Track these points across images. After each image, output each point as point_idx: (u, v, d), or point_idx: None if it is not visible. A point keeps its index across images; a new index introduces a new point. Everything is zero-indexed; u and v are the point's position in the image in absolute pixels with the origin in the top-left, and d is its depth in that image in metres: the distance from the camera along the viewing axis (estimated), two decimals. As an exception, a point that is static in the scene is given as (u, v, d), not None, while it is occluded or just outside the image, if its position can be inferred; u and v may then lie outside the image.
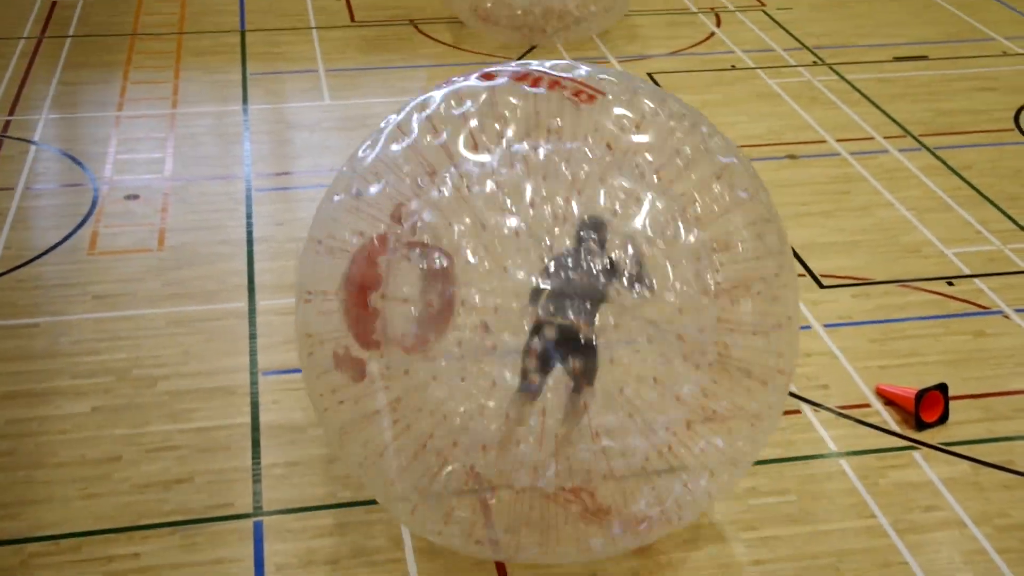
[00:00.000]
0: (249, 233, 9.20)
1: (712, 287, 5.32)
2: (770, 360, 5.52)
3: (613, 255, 5.23)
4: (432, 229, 5.28)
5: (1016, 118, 11.31)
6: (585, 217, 5.25)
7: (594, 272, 5.23)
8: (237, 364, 7.71)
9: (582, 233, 5.24)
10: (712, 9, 13.99)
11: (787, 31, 13.31)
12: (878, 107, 11.46)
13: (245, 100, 11.48)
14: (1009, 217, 9.55)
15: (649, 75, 12.08)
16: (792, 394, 7.45)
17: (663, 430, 5.37)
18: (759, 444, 5.81)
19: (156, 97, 11.50)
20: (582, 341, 5.21)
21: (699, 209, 5.39)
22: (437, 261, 5.24)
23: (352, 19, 13.66)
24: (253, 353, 7.81)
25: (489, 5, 12.49)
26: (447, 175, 5.36)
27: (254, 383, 7.53)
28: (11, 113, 11.07)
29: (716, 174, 5.50)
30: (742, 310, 5.40)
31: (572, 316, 5.20)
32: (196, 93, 11.63)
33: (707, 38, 13.15)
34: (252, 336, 7.98)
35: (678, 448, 5.44)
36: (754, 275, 5.44)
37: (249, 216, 9.43)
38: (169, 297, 8.40)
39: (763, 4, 14.14)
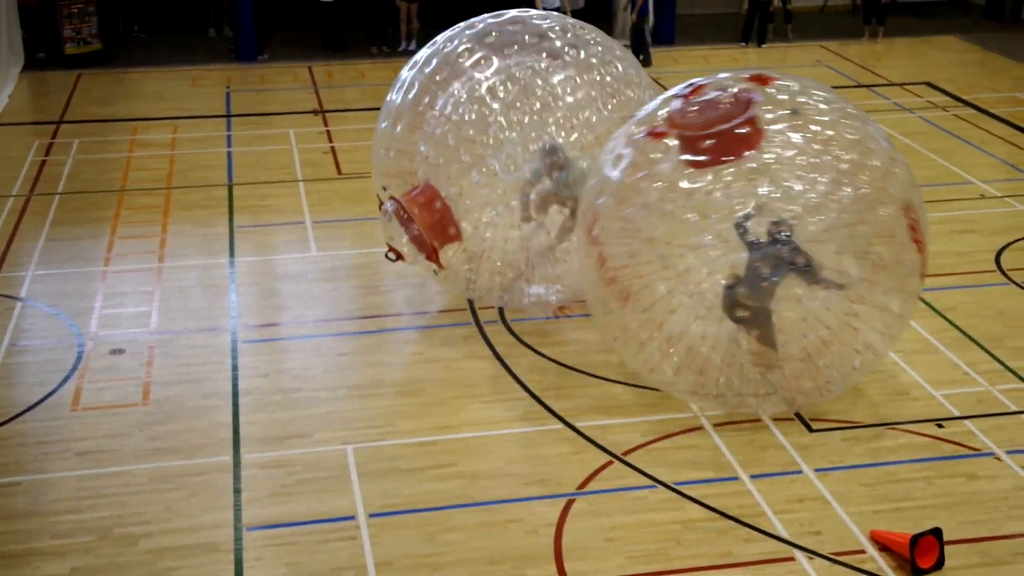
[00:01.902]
0: (235, 385, 9.15)
1: None
2: None
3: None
4: None
5: (997, 259, 11.42)
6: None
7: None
8: (221, 519, 7.57)
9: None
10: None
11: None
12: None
13: (232, 253, 11.56)
14: (995, 358, 9.56)
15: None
16: (785, 540, 7.33)
17: None
18: None
19: (143, 251, 11.57)
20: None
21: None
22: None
23: (339, 171, 13.87)
24: (237, 508, 7.68)
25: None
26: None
27: (238, 539, 7.38)
28: (-2, 269, 11.14)
29: None
30: None
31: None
32: (183, 247, 11.72)
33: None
34: (237, 490, 7.86)
35: None
36: None
37: (235, 368, 9.39)
38: (153, 452, 8.29)
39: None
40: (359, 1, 19.17)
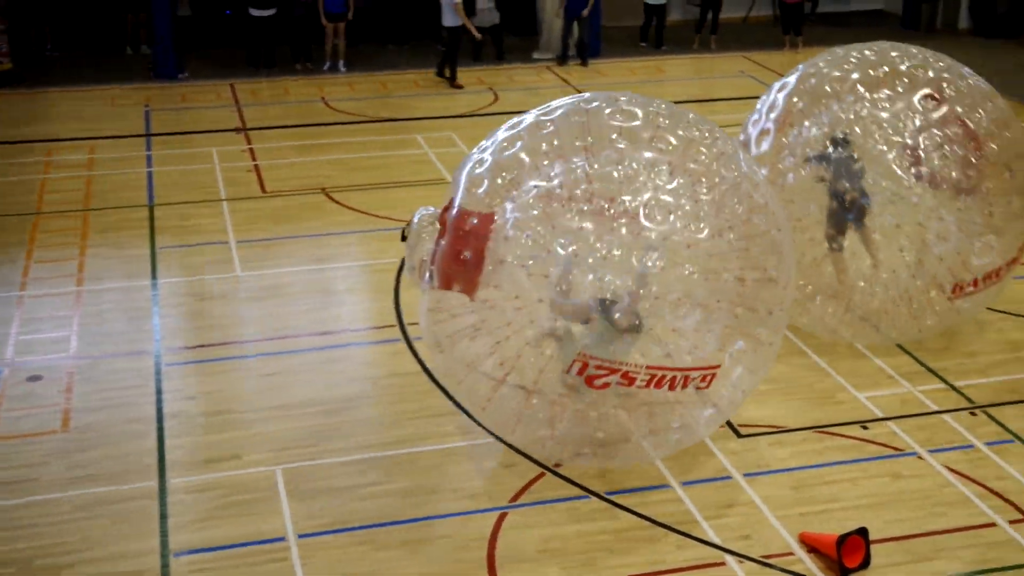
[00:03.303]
0: (159, 409, 9.00)
1: None
2: None
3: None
4: None
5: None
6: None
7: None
8: (147, 547, 7.42)
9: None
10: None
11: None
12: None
13: (154, 274, 11.38)
14: (918, 360, 9.71)
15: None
16: (715, 545, 7.38)
17: None
18: None
19: (61, 275, 11.35)
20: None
21: None
22: None
23: (263, 190, 13.74)
24: (164, 534, 7.54)
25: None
26: None
27: (165, 566, 7.24)
28: (-88, 297, 10.85)
29: None
30: None
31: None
32: (103, 269, 11.51)
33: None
34: (163, 516, 7.72)
35: None
36: None
37: (159, 392, 9.24)
38: (74, 480, 8.11)
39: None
40: (285, 18, 19.03)
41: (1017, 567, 7.24)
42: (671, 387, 7.19)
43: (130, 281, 11.25)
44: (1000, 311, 10.52)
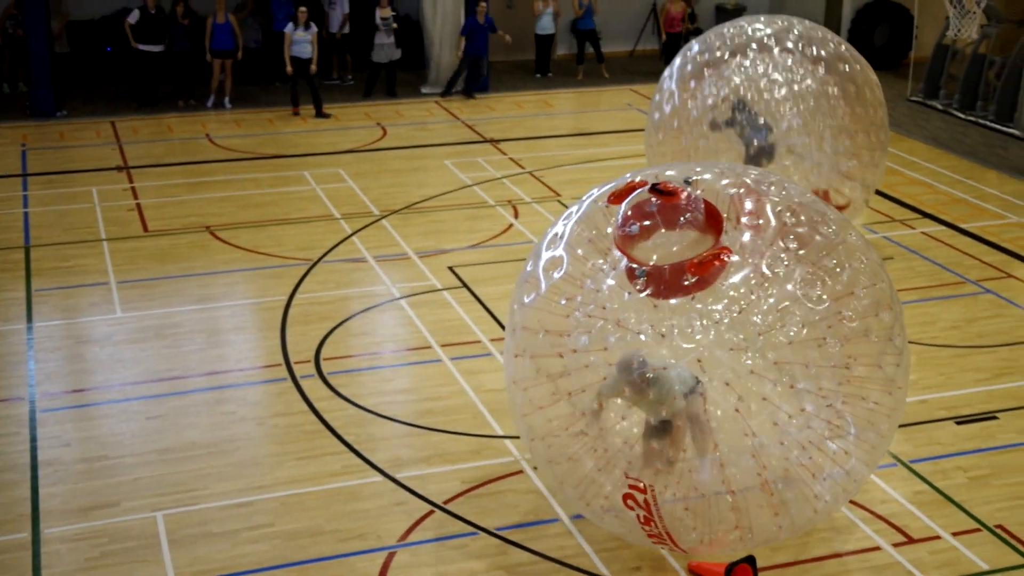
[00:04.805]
0: (34, 457, 8.67)
1: None
2: None
3: None
4: None
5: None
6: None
7: None
8: (19, 601, 7.13)
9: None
10: (509, 201, 14.36)
11: (580, 219, 13.75)
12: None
13: (30, 318, 11.01)
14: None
15: (450, 268, 12.20)
16: (608, 580, 7.35)
17: None
18: None
19: (-68, 320, 10.94)
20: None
21: None
22: None
23: (145, 229, 13.43)
24: (38, 587, 7.25)
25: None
26: None
27: (39, 621, 6.96)
28: None
29: None
30: None
31: None
32: (-23, 313, 11.12)
33: (506, 230, 13.43)
34: (37, 568, 7.41)
35: None
36: None
37: (33, 439, 8.91)
38: (-59, 534, 7.77)
39: (558, 195, 14.59)
40: (169, 55, 18.70)
41: (902, 588, 7.35)
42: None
43: (4, 325, 10.86)
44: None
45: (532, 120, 18.40)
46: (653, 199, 6.77)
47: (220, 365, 10.21)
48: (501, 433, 9.05)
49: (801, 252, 6.63)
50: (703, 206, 6.72)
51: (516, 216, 13.87)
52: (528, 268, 7.21)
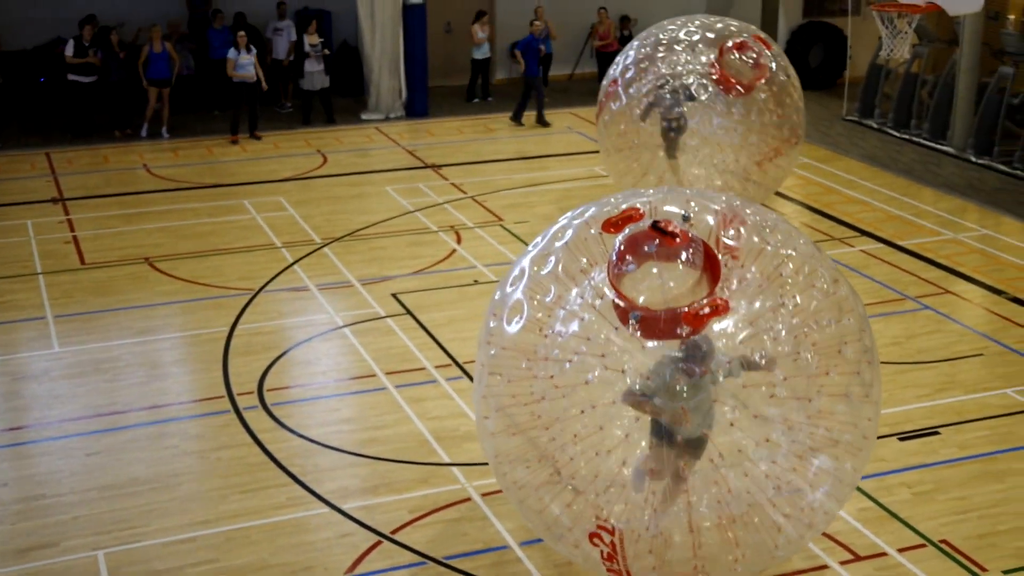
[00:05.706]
0: (-31, 498, 8.48)
1: None
2: None
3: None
4: None
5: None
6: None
7: None
8: (-45, 648, 6.94)
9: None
10: (452, 227, 14.33)
11: (525, 243, 13.73)
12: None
13: (-36, 355, 10.80)
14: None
15: (393, 295, 12.13)
16: (558, 607, 7.30)
17: None
18: None
19: None
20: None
21: None
22: None
23: (82, 262, 13.22)
24: (-26, 633, 7.07)
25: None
26: None
27: (-24, 668, 6.78)
28: None
29: None
30: None
31: None
32: (-92, 352, 10.86)
33: (448, 255, 13.40)
34: (-27, 613, 7.25)
35: None
36: None
37: (-32, 479, 8.72)
38: None
39: (500, 219, 14.58)
40: (103, 84, 18.47)
41: (850, 606, 7.38)
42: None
43: (-63, 363, 10.64)
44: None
45: (473, 145, 18.41)
46: (653, 239, 6.53)
47: (161, 399, 10.05)
48: (448, 461, 8.99)
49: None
50: (703, 250, 6.52)
51: (459, 241, 13.84)
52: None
